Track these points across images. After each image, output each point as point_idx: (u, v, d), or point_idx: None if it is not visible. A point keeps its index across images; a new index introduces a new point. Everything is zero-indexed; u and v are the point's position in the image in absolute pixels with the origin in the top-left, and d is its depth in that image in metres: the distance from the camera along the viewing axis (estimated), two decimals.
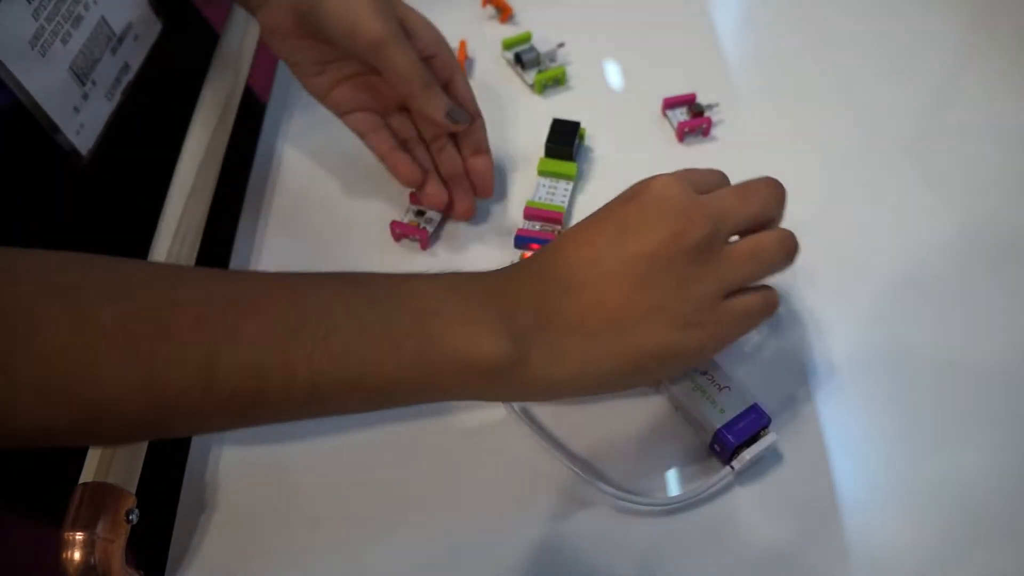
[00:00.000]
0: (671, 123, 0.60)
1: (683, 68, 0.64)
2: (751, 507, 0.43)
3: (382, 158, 0.54)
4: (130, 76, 0.54)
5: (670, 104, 0.61)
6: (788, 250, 0.40)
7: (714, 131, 0.60)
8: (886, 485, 0.43)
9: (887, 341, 0.49)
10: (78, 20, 0.48)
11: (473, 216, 0.55)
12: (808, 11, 0.70)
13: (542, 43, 0.64)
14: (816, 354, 0.48)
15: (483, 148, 0.54)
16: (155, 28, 0.56)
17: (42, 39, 0.45)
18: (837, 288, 0.51)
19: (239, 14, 0.64)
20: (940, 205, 0.55)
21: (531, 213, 0.54)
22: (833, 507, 0.42)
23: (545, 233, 0.53)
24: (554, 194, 0.55)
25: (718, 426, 0.42)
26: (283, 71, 0.66)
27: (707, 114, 0.60)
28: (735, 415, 0.42)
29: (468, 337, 0.36)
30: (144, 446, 0.43)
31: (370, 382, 0.35)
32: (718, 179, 0.42)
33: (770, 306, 0.41)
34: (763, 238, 0.40)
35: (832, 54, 0.66)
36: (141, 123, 0.57)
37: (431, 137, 0.55)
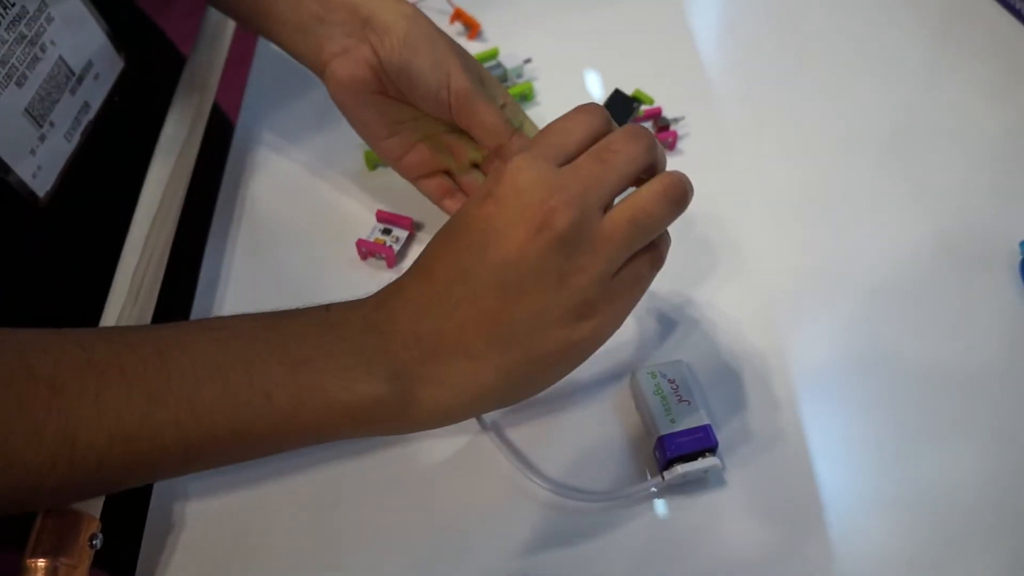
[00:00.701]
0: None
1: (649, 82, 0.65)
2: (735, 510, 0.43)
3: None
4: (90, 115, 0.53)
5: (636, 119, 0.61)
6: (674, 200, 0.37)
7: (681, 144, 0.61)
8: (870, 490, 0.44)
9: (868, 346, 0.49)
10: (35, 61, 0.47)
11: None
12: (776, 23, 0.71)
13: (509, 59, 0.64)
14: (798, 358, 0.49)
15: None
16: (117, 65, 0.56)
17: None
18: (817, 293, 0.52)
19: (207, 35, 0.64)
20: (916, 210, 0.56)
21: None
22: (817, 512, 0.43)
23: None
24: None
25: (662, 433, 0.42)
26: (253, 91, 0.67)
27: (673, 128, 0.60)
28: (683, 429, 0.42)
29: (344, 384, 0.35)
30: None
31: (246, 438, 0.36)
32: (584, 130, 0.38)
33: (658, 261, 0.38)
34: (641, 198, 0.36)
35: (801, 64, 0.67)
36: (104, 162, 0.56)
37: None
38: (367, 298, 0.39)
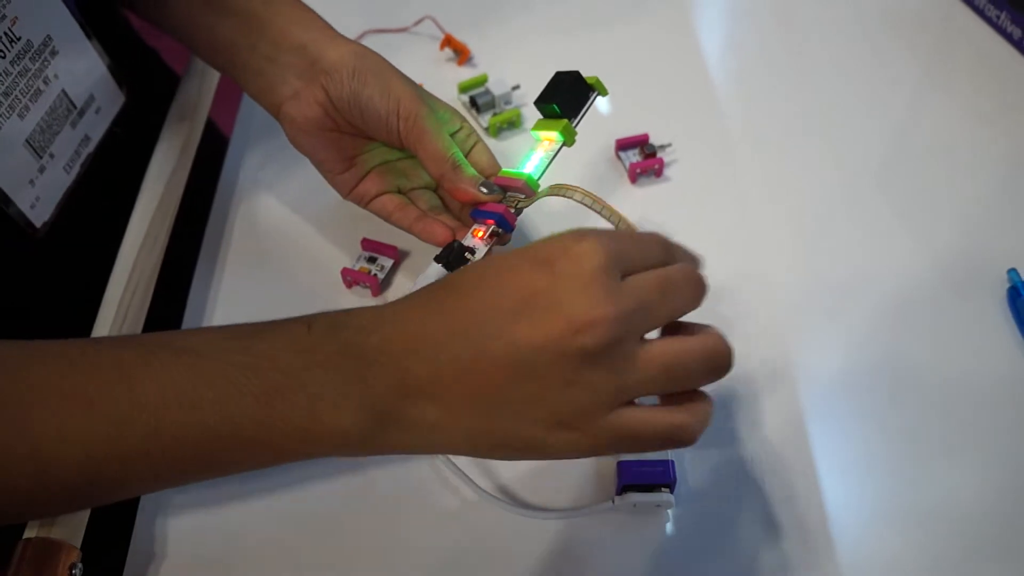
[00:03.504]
0: (624, 164, 0.61)
1: (637, 110, 0.65)
2: (748, 523, 0.44)
3: (410, 229, 0.52)
4: (90, 148, 0.54)
5: (622, 145, 0.61)
6: (714, 368, 0.35)
7: (667, 171, 0.61)
8: (878, 505, 0.44)
9: (874, 365, 0.50)
10: (37, 94, 0.48)
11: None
12: (768, 50, 0.71)
13: (497, 85, 0.65)
14: (806, 378, 0.49)
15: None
16: (118, 99, 0.56)
17: None
18: (811, 314, 0.52)
19: (199, 62, 0.65)
20: (909, 235, 0.56)
21: (499, 181, 0.50)
22: (824, 527, 0.43)
23: (497, 207, 0.49)
24: (537, 160, 0.50)
25: (622, 458, 0.43)
26: (244, 117, 0.68)
27: (659, 155, 0.61)
28: (645, 459, 0.43)
29: (311, 414, 0.35)
30: None
31: (211, 463, 0.37)
32: (655, 252, 0.36)
33: (675, 438, 0.34)
34: (684, 350, 0.34)
35: (793, 89, 0.67)
36: (101, 193, 0.57)
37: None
38: (355, 315, 0.37)
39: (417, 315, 0.36)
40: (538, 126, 0.50)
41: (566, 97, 0.48)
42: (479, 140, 0.53)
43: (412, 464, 0.47)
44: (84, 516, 0.42)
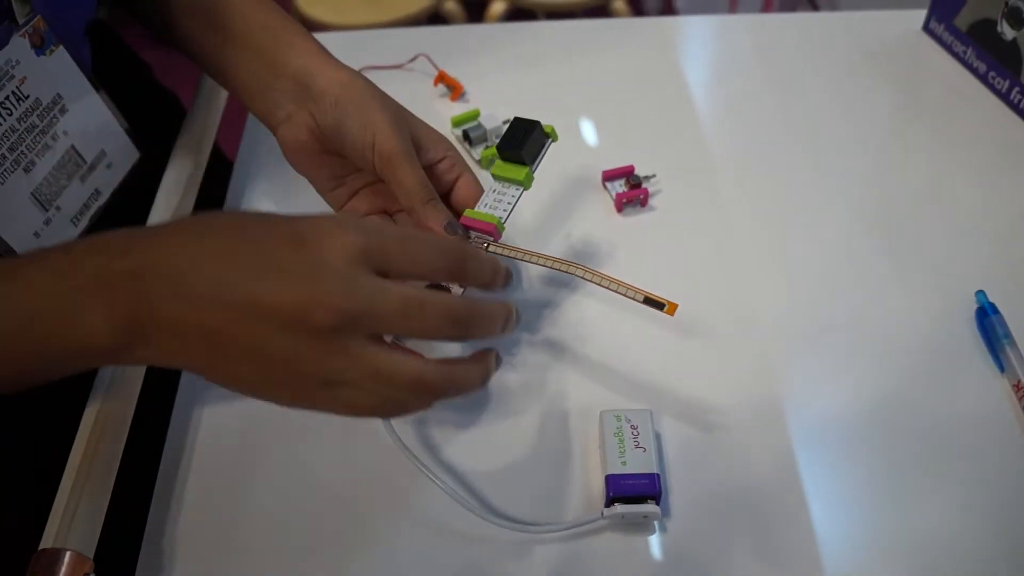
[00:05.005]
0: (610, 195, 0.64)
1: (622, 141, 0.68)
2: (738, 554, 0.45)
3: None
4: (101, 202, 0.56)
5: (609, 176, 0.64)
6: (418, 390, 0.38)
7: (652, 201, 0.64)
8: (867, 538, 0.46)
9: (862, 401, 0.52)
10: (44, 149, 0.50)
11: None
12: (745, 87, 0.75)
13: (489, 119, 0.68)
14: (796, 412, 0.51)
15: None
16: (132, 156, 0.58)
17: (2, 168, 0.48)
18: (801, 339, 0.55)
19: (205, 92, 0.68)
20: (887, 265, 0.59)
21: (465, 222, 0.52)
22: (817, 560, 0.45)
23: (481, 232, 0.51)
24: (499, 203, 0.52)
25: (609, 472, 0.45)
26: (248, 141, 0.70)
27: (644, 185, 0.64)
28: (632, 472, 0.45)
29: (69, 335, 0.37)
30: (104, 509, 0.45)
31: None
32: (430, 261, 0.39)
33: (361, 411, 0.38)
34: (397, 369, 0.37)
35: (770, 127, 0.70)
36: None
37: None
38: (113, 237, 0.39)
39: (174, 243, 0.38)
40: (499, 168, 0.52)
41: (529, 146, 0.51)
42: (464, 171, 0.54)
43: (404, 483, 0.49)
44: (98, 527, 0.44)
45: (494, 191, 0.52)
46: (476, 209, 0.52)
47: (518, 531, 0.46)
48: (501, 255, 0.50)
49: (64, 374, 0.40)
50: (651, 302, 0.46)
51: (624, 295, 0.46)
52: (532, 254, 0.50)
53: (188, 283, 0.37)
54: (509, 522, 0.46)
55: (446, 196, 0.54)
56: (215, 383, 0.39)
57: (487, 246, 0.51)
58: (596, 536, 0.46)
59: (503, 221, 0.51)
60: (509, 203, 0.51)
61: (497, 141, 0.67)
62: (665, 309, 0.45)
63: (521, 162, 0.52)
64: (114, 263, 0.38)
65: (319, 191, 0.56)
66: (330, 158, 0.54)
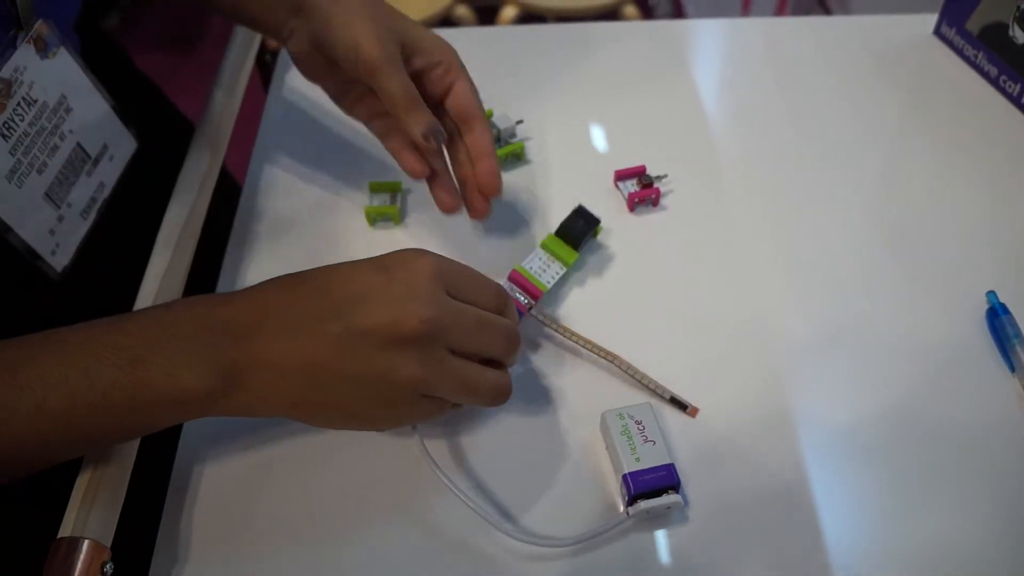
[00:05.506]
0: (622, 194, 0.64)
1: (634, 142, 0.69)
2: (749, 563, 0.45)
3: (394, 154, 0.57)
4: (105, 194, 0.57)
5: (621, 176, 0.65)
6: (494, 396, 0.44)
7: (664, 200, 0.64)
8: (877, 546, 0.45)
9: (872, 403, 0.51)
10: (54, 150, 0.51)
11: (487, 216, 0.57)
12: (755, 89, 0.75)
13: (502, 120, 0.68)
14: (804, 415, 0.51)
15: (486, 152, 0.55)
16: (131, 145, 0.59)
17: (19, 172, 0.49)
18: (812, 344, 0.55)
19: (218, 98, 0.68)
20: (897, 266, 0.59)
21: (515, 278, 0.55)
22: (826, 569, 0.45)
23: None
24: (545, 271, 0.57)
25: (626, 471, 0.45)
26: (259, 152, 0.71)
27: (656, 185, 0.64)
28: (647, 467, 0.45)
29: (171, 378, 0.39)
30: (121, 499, 0.46)
31: (93, 433, 0.41)
32: (488, 295, 0.45)
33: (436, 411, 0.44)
34: (480, 376, 0.43)
35: (779, 129, 0.71)
36: (117, 236, 0.59)
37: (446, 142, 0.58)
38: (211, 296, 0.43)
39: (269, 294, 0.42)
40: (551, 243, 0.58)
41: (581, 233, 0.58)
42: (460, 77, 0.54)
43: (430, 503, 0.48)
44: (115, 516, 0.45)
45: (539, 258, 0.57)
46: (523, 266, 0.56)
47: (552, 546, 0.45)
48: (539, 321, 0.55)
49: (145, 431, 0.42)
50: (676, 402, 0.51)
51: (652, 391, 0.51)
52: (569, 332, 0.54)
53: (289, 321, 0.41)
54: (535, 537, 0.46)
55: (442, 102, 0.55)
56: (302, 420, 0.44)
57: (530, 308, 0.55)
58: (621, 539, 0.46)
59: (548, 289, 0.56)
60: (554, 276, 0.57)
61: (510, 141, 0.68)
62: (688, 411, 0.51)
63: (573, 246, 0.58)
64: (216, 312, 0.41)
65: (330, 96, 0.59)
66: (338, 67, 0.55)
